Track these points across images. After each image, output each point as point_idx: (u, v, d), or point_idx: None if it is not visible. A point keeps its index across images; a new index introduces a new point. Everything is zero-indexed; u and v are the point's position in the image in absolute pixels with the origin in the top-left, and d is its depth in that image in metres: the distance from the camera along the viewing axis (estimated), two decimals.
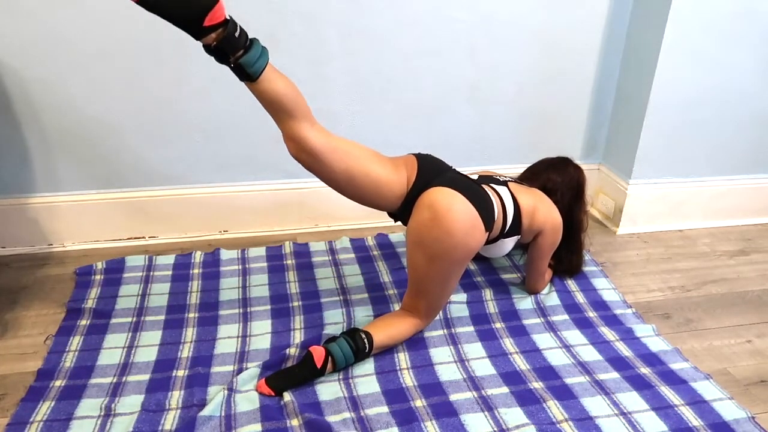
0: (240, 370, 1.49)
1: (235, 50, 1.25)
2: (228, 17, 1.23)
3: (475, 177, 1.64)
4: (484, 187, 1.57)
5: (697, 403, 1.43)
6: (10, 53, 1.77)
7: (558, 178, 1.80)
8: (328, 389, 1.44)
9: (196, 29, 1.21)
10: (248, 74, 1.28)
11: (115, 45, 1.82)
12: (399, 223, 1.63)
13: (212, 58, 1.28)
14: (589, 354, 1.60)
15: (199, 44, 1.88)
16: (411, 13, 1.96)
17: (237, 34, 1.24)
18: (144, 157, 2.00)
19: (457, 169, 1.62)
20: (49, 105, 1.86)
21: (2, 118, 1.85)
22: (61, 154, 1.94)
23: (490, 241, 1.61)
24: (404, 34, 1.99)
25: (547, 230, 1.69)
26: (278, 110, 1.36)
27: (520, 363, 1.56)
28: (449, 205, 1.42)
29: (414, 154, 1.57)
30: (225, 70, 1.93)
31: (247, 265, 1.96)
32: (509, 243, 1.66)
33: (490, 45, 2.08)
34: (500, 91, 2.17)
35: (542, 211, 1.68)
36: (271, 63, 1.32)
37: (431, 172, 1.52)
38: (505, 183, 1.67)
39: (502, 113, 2.21)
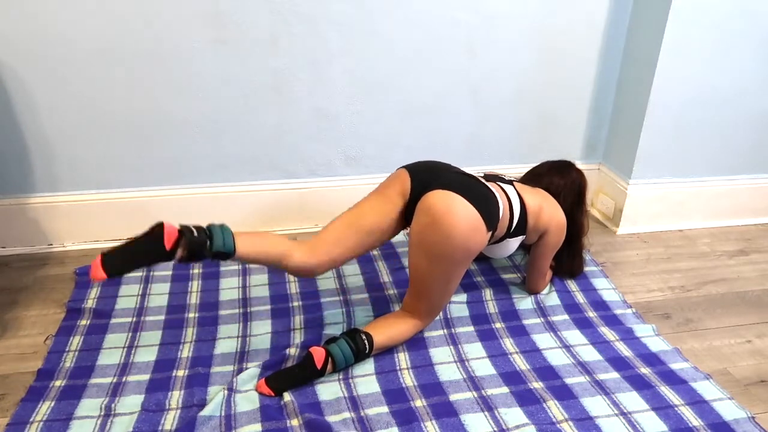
0: (240, 370, 1.49)
1: (203, 246, 1.30)
2: (179, 228, 1.29)
3: (480, 176, 1.64)
4: (491, 185, 1.57)
5: (697, 403, 1.43)
6: (10, 53, 1.77)
7: (561, 181, 1.80)
8: (328, 389, 1.44)
9: (166, 255, 1.27)
10: (225, 254, 1.33)
11: (115, 45, 1.82)
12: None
13: (192, 241, 1.29)
14: (589, 354, 1.60)
15: (198, 45, 1.89)
16: (411, 13, 1.96)
17: (196, 234, 1.30)
18: (144, 157, 2.00)
19: (459, 168, 1.61)
20: (49, 105, 1.86)
21: (2, 118, 1.85)
22: (61, 154, 1.94)
23: (495, 241, 1.61)
24: (404, 35, 1.99)
25: (552, 230, 1.69)
26: (268, 262, 1.44)
27: (520, 363, 1.56)
28: (447, 208, 1.42)
29: (404, 167, 1.58)
30: (225, 70, 1.94)
31: (247, 265, 1.96)
32: (514, 243, 1.66)
33: (490, 45, 2.08)
34: (500, 92, 2.17)
35: (547, 210, 1.68)
36: (235, 231, 1.36)
37: (427, 176, 1.52)
38: (510, 182, 1.68)
39: (502, 113, 2.21)
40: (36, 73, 1.81)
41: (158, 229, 1.27)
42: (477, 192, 1.48)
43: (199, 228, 1.32)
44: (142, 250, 1.27)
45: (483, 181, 1.57)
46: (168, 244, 1.26)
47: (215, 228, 1.34)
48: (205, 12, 1.82)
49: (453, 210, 1.42)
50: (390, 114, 2.12)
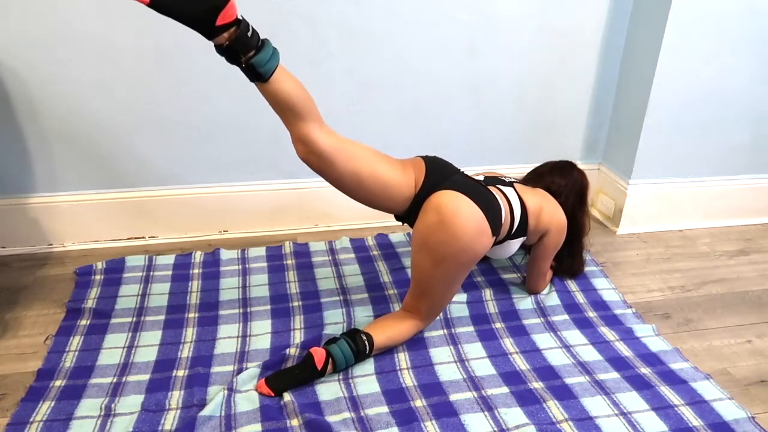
0: (240, 370, 1.49)
1: (246, 50, 1.23)
2: (240, 17, 1.22)
3: (481, 178, 1.64)
4: (491, 189, 1.57)
5: (697, 403, 1.43)
6: (10, 53, 1.77)
7: (562, 181, 1.80)
8: (328, 389, 1.44)
9: (208, 29, 1.20)
10: (259, 74, 1.27)
11: (115, 45, 1.82)
12: (400, 223, 1.63)
13: (222, 58, 1.26)
14: (589, 354, 1.60)
15: (198, 45, 1.88)
16: (411, 13, 1.96)
17: (249, 34, 1.23)
18: (144, 157, 2.00)
19: (463, 171, 1.61)
20: (49, 105, 1.86)
21: (2, 118, 1.85)
22: (61, 154, 1.94)
23: (496, 243, 1.61)
24: (404, 35, 1.99)
25: (553, 230, 1.69)
26: (287, 112, 1.35)
27: (520, 363, 1.56)
28: (456, 209, 1.42)
29: (422, 157, 1.56)
30: (225, 70, 1.93)
31: (247, 265, 1.96)
32: (515, 244, 1.66)
33: (490, 45, 2.08)
34: (500, 92, 2.17)
35: (547, 211, 1.68)
36: (282, 65, 1.31)
37: (439, 174, 1.52)
38: (510, 184, 1.68)
39: (502, 113, 2.21)
40: (36, 73, 1.81)
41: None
42: (483, 196, 1.48)
43: (256, 33, 1.25)
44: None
45: (483, 184, 1.57)
46: (221, 20, 1.18)
47: (269, 45, 1.27)
48: None
49: (461, 212, 1.42)
50: (390, 114, 2.12)
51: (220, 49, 1.25)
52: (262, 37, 1.28)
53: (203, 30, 1.21)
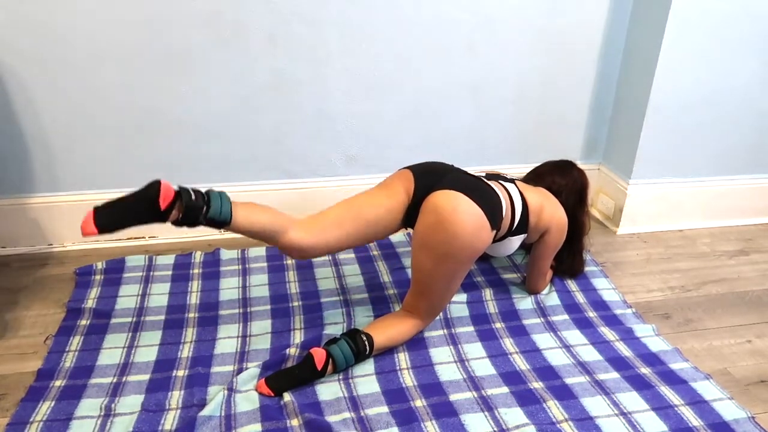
0: (240, 370, 1.49)
1: (198, 211, 1.27)
2: (177, 189, 1.25)
3: (482, 175, 1.64)
4: (493, 183, 1.57)
5: (697, 403, 1.43)
6: (10, 53, 1.77)
7: (562, 180, 1.81)
8: (328, 389, 1.44)
9: (159, 216, 1.24)
10: (221, 222, 1.31)
11: (115, 45, 1.82)
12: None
13: (189, 204, 1.27)
14: (589, 354, 1.60)
15: (198, 45, 1.88)
16: (411, 13, 1.96)
17: (194, 198, 1.27)
18: (144, 157, 2.00)
19: (462, 169, 1.61)
20: (49, 105, 1.86)
21: (2, 118, 1.85)
22: (61, 154, 1.94)
23: (497, 239, 1.61)
24: (404, 35, 1.99)
25: (553, 229, 1.69)
26: (262, 236, 1.39)
27: (520, 363, 1.56)
28: (454, 207, 1.42)
29: (408, 167, 1.59)
30: (225, 70, 1.94)
31: (247, 265, 1.96)
32: (515, 241, 1.66)
33: (491, 45, 2.08)
34: (500, 91, 2.17)
35: (549, 209, 1.68)
36: (233, 200, 1.34)
37: (431, 176, 1.53)
38: (512, 181, 1.68)
39: (502, 113, 2.21)
40: (36, 73, 1.81)
41: (155, 187, 1.22)
42: (481, 191, 1.49)
43: (197, 192, 1.28)
44: (136, 208, 1.22)
45: (485, 180, 1.57)
46: (163, 203, 1.21)
47: (214, 194, 1.30)
48: (205, 12, 1.82)
49: (459, 209, 1.42)
50: (390, 114, 2.12)
51: (177, 223, 1.27)
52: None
53: (156, 219, 1.24)
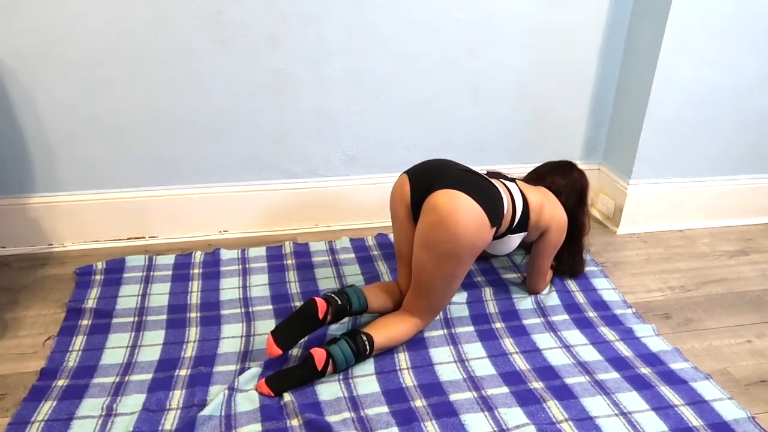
0: (242, 370, 1.50)
1: (345, 309, 1.52)
2: (325, 298, 1.50)
3: (483, 173, 1.65)
4: (494, 181, 1.57)
5: (697, 403, 1.43)
6: (10, 53, 1.77)
7: (562, 181, 1.81)
8: (328, 389, 1.44)
9: (320, 323, 1.48)
10: (361, 311, 1.56)
11: (115, 45, 1.82)
12: None
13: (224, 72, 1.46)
14: (589, 354, 1.60)
15: (198, 45, 1.89)
16: (411, 12, 1.96)
17: (339, 302, 1.50)
18: (144, 157, 2.00)
19: (462, 165, 1.62)
20: (49, 105, 1.86)
21: (2, 118, 1.85)
22: (61, 154, 1.94)
23: (497, 237, 1.61)
24: (404, 34, 1.99)
25: (553, 228, 1.70)
26: (392, 308, 1.64)
27: (520, 363, 1.56)
28: (454, 206, 1.43)
29: (405, 172, 1.61)
30: (225, 70, 1.94)
31: (247, 265, 1.96)
32: (516, 239, 1.66)
33: (490, 45, 2.08)
34: (500, 91, 2.17)
35: (549, 208, 1.68)
36: (363, 287, 1.60)
37: (427, 175, 1.54)
38: (513, 180, 1.68)
39: (502, 113, 2.21)
40: (36, 73, 1.81)
41: (312, 305, 1.47)
42: (480, 188, 1.49)
43: (339, 295, 1.52)
44: (303, 324, 1.47)
45: (485, 176, 1.57)
46: (321, 314, 1.46)
47: (350, 291, 1.55)
48: (205, 12, 1.82)
49: (459, 209, 1.42)
50: (390, 114, 2.12)
51: (332, 323, 1.55)
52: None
53: (318, 326, 1.50)
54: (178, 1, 1.79)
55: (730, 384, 1.53)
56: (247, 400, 1.39)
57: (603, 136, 2.37)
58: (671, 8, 1.93)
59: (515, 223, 1.61)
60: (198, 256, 2.00)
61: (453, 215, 1.42)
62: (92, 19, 1.77)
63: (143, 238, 2.11)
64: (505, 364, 1.56)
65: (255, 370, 1.47)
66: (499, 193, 1.53)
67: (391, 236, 2.16)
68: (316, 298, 1.48)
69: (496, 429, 1.34)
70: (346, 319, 1.62)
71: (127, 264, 1.93)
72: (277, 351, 1.42)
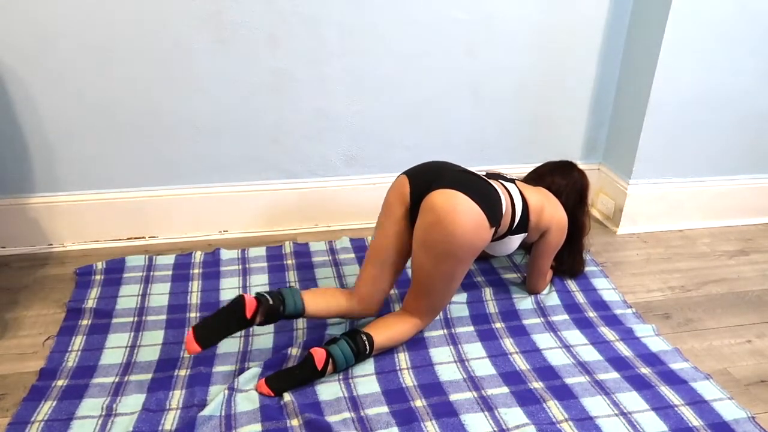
0: (242, 370, 1.50)
1: (278, 313, 1.45)
2: (257, 296, 1.43)
3: (483, 174, 1.64)
4: (493, 182, 1.57)
5: (697, 403, 1.43)
6: (10, 53, 1.77)
7: (563, 181, 1.81)
8: (328, 389, 1.44)
9: (247, 323, 1.41)
10: (296, 314, 1.48)
11: (115, 45, 1.82)
12: None
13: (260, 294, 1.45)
14: (589, 354, 1.60)
15: (198, 44, 1.89)
16: (411, 12, 1.96)
17: (271, 302, 1.44)
18: (144, 157, 2.00)
19: (461, 167, 1.61)
20: (49, 105, 1.86)
21: (2, 118, 1.85)
22: (61, 154, 1.94)
23: (497, 238, 1.61)
24: (404, 34, 1.99)
25: (553, 229, 1.70)
26: (335, 316, 1.58)
27: (520, 363, 1.56)
28: (452, 206, 1.42)
29: (404, 172, 1.60)
30: (225, 70, 1.94)
31: (247, 265, 1.96)
32: (516, 240, 1.66)
33: (490, 45, 2.08)
34: (500, 91, 2.17)
35: (549, 209, 1.68)
36: (300, 291, 1.52)
37: (428, 177, 1.53)
38: (512, 181, 1.68)
39: (502, 113, 2.21)
40: (36, 73, 1.81)
41: (239, 302, 1.40)
42: (479, 189, 1.49)
43: (272, 295, 1.45)
44: (228, 323, 1.40)
45: (484, 178, 1.57)
46: (249, 313, 1.40)
47: (286, 292, 1.48)
48: (205, 12, 1.82)
49: (457, 208, 1.42)
50: (390, 114, 2.12)
51: (262, 324, 1.45)
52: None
53: (245, 326, 1.42)
54: (178, 1, 1.79)
55: (730, 384, 1.53)
56: (247, 400, 1.39)
57: (603, 136, 2.37)
58: (671, 8, 1.93)
59: (515, 224, 1.61)
60: (198, 256, 2.00)
61: (451, 215, 1.42)
62: (92, 19, 1.77)
63: (143, 238, 2.11)
64: (505, 364, 1.55)
65: (255, 370, 1.47)
66: (498, 194, 1.53)
67: None
68: (245, 296, 1.41)
69: (496, 429, 1.34)
70: (303, 321, 1.57)
71: (127, 264, 1.93)
72: (196, 348, 1.34)
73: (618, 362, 1.57)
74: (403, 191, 1.55)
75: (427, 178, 1.52)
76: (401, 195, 1.55)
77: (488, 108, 2.19)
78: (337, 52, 1.97)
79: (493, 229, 1.51)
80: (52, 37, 1.77)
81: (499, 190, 1.54)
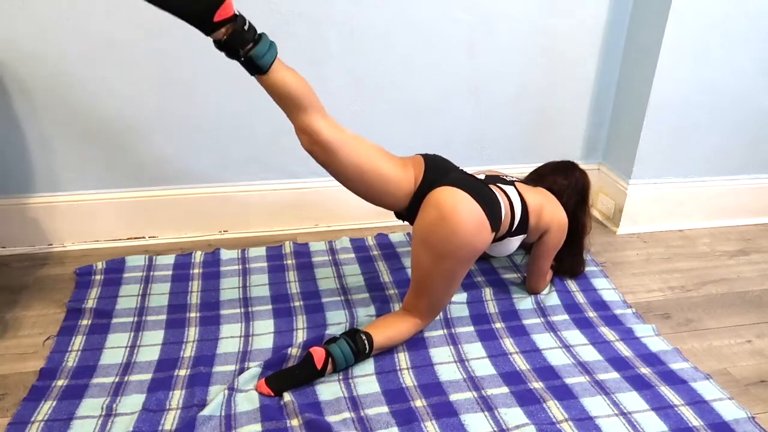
0: (242, 370, 1.50)
1: (244, 44, 1.28)
2: (237, 13, 1.28)
3: (481, 177, 1.65)
4: (492, 186, 1.57)
5: (697, 403, 1.43)
6: (11, 53, 1.77)
7: (564, 181, 1.81)
8: (328, 389, 1.44)
9: (206, 25, 1.25)
10: (258, 66, 1.31)
11: (116, 45, 1.82)
12: (400, 222, 1.63)
13: (222, 53, 1.31)
14: (589, 354, 1.60)
15: (199, 46, 1.88)
16: (411, 13, 1.96)
17: (246, 28, 1.28)
18: (144, 156, 2.00)
19: (463, 169, 1.62)
20: (49, 105, 1.86)
21: (2, 119, 1.85)
22: (61, 154, 1.94)
23: (497, 240, 1.61)
24: (404, 34, 1.99)
25: (553, 229, 1.70)
26: (289, 103, 1.39)
27: (520, 363, 1.56)
28: (456, 205, 1.42)
29: (421, 155, 1.58)
30: (226, 70, 1.93)
31: (247, 265, 1.96)
32: (515, 242, 1.66)
33: (490, 45, 2.08)
34: (500, 91, 2.17)
35: (549, 210, 1.68)
36: (280, 58, 1.35)
37: (438, 171, 1.53)
38: (512, 182, 1.68)
39: (502, 113, 2.21)
40: (36, 73, 1.81)
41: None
42: (482, 192, 1.49)
43: (253, 28, 1.30)
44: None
45: (483, 181, 1.57)
46: (218, 17, 1.23)
47: (265, 39, 1.32)
48: None
49: (460, 207, 1.42)
50: (390, 114, 2.12)
51: (219, 44, 1.30)
52: (259, 31, 1.31)
53: (201, 26, 1.26)
54: None
55: (730, 384, 1.53)
56: (247, 400, 1.39)
57: (603, 136, 2.37)
58: (671, 8, 1.93)
59: (515, 226, 1.61)
60: (198, 256, 2.00)
61: (454, 213, 1.42)
62: (92, 19, 1.77)
63: (143, 238, 2.11)
64: (505, 364, 1.56)
65: (255, 370, 1.47)
66: (497, 197, 1.53)
67: (391, 236, 2.16)
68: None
69: (496, 429, 1.34)
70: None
71: (127, 264, 1.93)
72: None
73: (618, 362, 1.57)
74: (418, 174, 1.53)
75: (436, 171, 1.52)
76: (416, 176, 1.52)
77: (488, 108, 2.19)
78: (337, 52, 1.97)
79: (494, 233, 1.51)
80: (52, 37, 1.77)
81: (497, 195, 1.54)
